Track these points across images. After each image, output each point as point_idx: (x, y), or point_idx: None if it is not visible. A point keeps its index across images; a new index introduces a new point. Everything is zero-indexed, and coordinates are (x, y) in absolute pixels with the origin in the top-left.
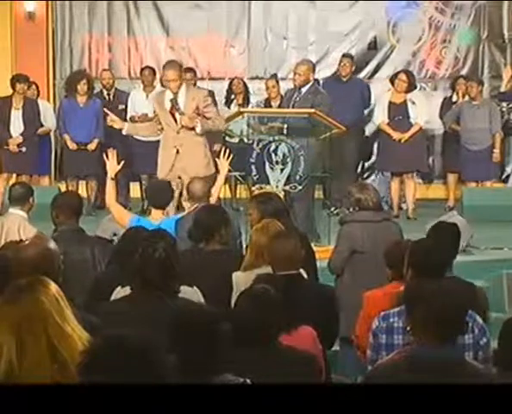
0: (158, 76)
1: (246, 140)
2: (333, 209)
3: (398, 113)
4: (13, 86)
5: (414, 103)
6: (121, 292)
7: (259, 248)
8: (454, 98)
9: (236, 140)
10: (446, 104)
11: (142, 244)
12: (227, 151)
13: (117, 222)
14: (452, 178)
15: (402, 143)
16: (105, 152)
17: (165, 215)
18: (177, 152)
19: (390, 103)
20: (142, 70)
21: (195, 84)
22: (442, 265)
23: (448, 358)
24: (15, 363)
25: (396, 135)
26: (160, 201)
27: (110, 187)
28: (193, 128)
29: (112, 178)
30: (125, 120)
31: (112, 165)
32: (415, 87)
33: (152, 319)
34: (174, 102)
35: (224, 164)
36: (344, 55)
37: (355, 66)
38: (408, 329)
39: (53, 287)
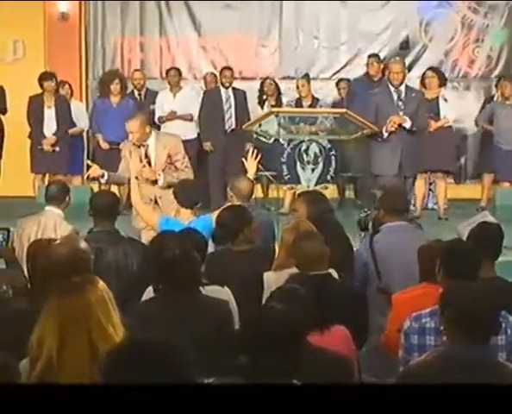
0: (184, 76)
1: (277, 140)
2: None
3: (429, 109)
4: (41, 85)
5: (446, 100)
6: (151, 292)
7: (290, 248)
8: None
9: (268, 140)
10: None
11: (163, 245)
12: (256, 151)
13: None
14: (487, 178)
15: (430, 141)
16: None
17: (194, 214)
18: (156, 202)
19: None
20: (168, 71)
21: (231, 85)
22: (476, 266)
23: (481, 358)
24: (54, 360)
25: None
26: (189, 200)
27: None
28: (156, 182)
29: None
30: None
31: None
32: (446, 79)
33: (174, 319)
34: (142, 153)
35: (252, 164)
36: (370, 55)
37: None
38: (441, 329)
39: (102, 286)
